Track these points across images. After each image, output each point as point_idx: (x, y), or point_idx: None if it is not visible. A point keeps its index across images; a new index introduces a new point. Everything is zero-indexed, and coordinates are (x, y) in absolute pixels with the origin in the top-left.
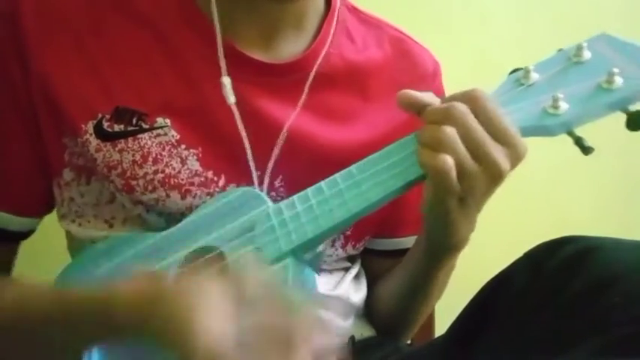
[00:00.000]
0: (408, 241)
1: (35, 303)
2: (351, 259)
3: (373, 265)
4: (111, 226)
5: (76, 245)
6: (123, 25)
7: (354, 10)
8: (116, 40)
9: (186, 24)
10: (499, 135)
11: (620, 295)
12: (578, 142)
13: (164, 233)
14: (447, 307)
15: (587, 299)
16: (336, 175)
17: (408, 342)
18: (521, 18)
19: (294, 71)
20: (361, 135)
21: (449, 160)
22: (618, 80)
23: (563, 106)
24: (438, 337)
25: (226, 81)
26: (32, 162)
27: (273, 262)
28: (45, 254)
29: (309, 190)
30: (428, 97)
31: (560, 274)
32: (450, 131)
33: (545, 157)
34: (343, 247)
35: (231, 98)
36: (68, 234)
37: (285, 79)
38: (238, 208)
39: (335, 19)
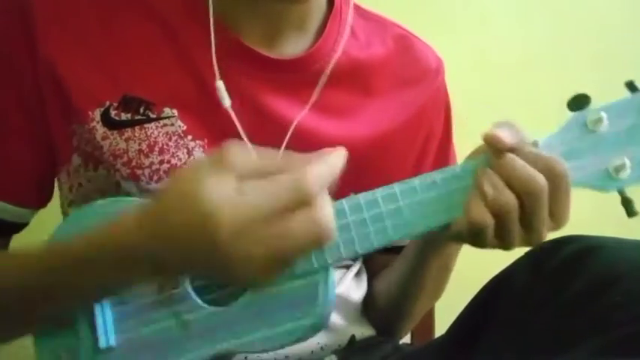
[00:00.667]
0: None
1: (36, 265)
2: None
3: (373, 261)
4: None
5: None
6: (133, 18)
7: (356, 8)
8: (125, 32)
9: (191, 18)
10: (558, 218)
11: (621, 294)
12: (626, 203)
13: None
14: (447, 307)
15: (588, 299)
16: (378, 194)
17: (408, 342)
18: (521, 18)
19: (300, 69)
20: (365, 132)
21: (491, 225)
22: None
23: (628, 170)
24: (438, 337)
25: (220, 85)
26: (37, 151)
27: (301, 276)
28: None
29: (346, 205)
30: (512, 138)
31: (561, 274)
32: (514, 204)
33: None
34: None
35: (227, 101)
36: None
37: (291, 75)
38: None
39: (339, 18)
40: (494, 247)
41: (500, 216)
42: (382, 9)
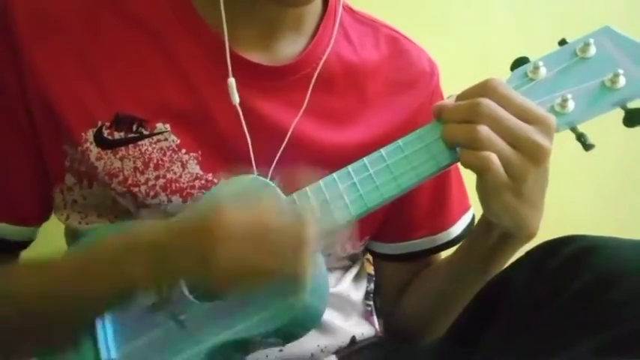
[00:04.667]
0: (423, 243)
1: (54, 275)
2: (352, 259)
3: (393, 272)
4: None
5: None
6: (117, 27)
7: (350, 11)
8: (111, 43)
9: (183, 26)
10: (528, 116)
11: (620, 293)
12: (581, 138)
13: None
14: None
15: (587, 298)
16: (365, 160)
17: None
18: (521, 17)
19: (293, 73)
20: (359, 135)
21: (493, 159)
22: (622, 80)
23: (571, 105)
24: (439, 337)
25: (232, 82)
26: (32, 170)
27: None
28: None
29: (326, 178)
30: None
31: (561, 273)
32: (485, 129)
33: None
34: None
35: (236, 98)
36: (69, 231)
37: (284, 81)
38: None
39: (333, 20)
40: (517, 184)
41: (487, 148)
42: (382, 9)
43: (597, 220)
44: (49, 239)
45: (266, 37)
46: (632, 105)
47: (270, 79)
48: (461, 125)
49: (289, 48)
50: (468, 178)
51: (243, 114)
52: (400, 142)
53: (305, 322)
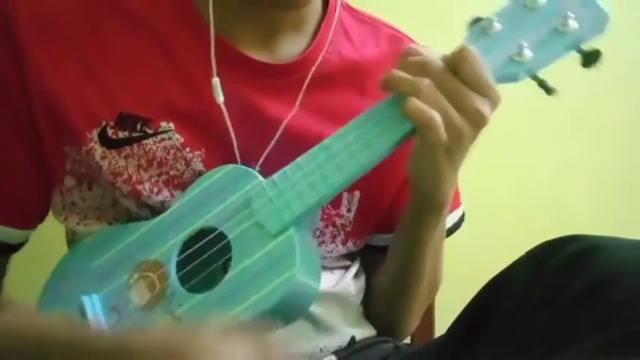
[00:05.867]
0: None
1: None
2: (351, 258)
3: (373, 259)
4: None
5: (77, 239)
6: (118, 28)
7: (349, 9)
8: (113, 43)
9: (182, 24)
10: (482, 89)
11: (621, 293)
12: (542, 84)
13: (156, 220)
14: (447, 307)
15: (588, 298)
16: (325, 141)
17: (408, 342)
18: None
19: (295, 72)
20: None
21: (437, 117)
22: (572, 23)
23: (527, 53)
24: (438, 337)
25: (215, 81)
26: (32, 172)
27: (277, 235)
28: (45, 253)
29: (300, 160)
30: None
31: (561, 273)
32: (430, 83)
33: (545, 157)
34: (344, 243)
35: (220, 97)
36: (68, 232)
37: (286, 79)
38: (229, 185)
39: (333, 19)
40: (452, 143)
41: (430, 100)
42: (383, 9)
43: (597, 220)
44: (50, 239)
45: (268, 36)
46: (586, 47)
47: (272, 77)
48: (408, 75)
49: (291, 47)
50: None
51: (238, 111)
52: (353, 120)
53: (299, 299)
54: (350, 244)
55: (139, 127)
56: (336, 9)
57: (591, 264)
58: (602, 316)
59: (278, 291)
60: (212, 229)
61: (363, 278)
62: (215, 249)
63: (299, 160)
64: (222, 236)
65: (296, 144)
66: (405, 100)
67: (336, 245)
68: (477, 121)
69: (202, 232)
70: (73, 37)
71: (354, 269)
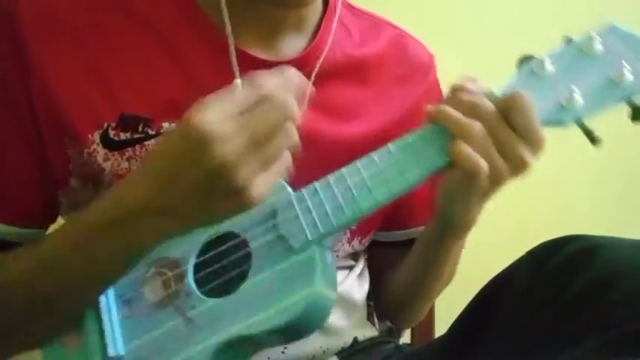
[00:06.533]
0: (417, 231)
1: (50, 251)
2: (355, 257)
3: (382, 256)
4: None
5: None
6: (123, 27)
7: (349, 7)
8: (116, 42)
9: (188, 24)
10: (531, 139)
11: (621, 293)
12: (589, 134)
13: None
14: (448, 307)
15: (589, 297)
16: (358, 163)
17: (409, 342)
18: (521, 18)
19: (298, 69)
20: (362, 128)
21: (483, 164)
22: (628, 75)
23: (578, 99)
24: (438, 337)
25: (239, 83)
26: (36, 172)
27: (300, 251)
28: None
29: (331, 178)
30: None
31: (562, 273)
32: (479, 126)
33: (545, 157)
34: (349, 242)
35: None
36: None
37: None
38: None
39: (334, 16)
40: (491, 188)
41: (478, 145)
42: (383, 9)
43: (597, 220)
44: None
45: (269, 35)
46: (637, 100)
47: None
48: (459, 114)
49: (292, 46)
50: None
51: None
52: (388, 145)
53: (313, 316)
54: (356, 242)
55: (140, 128)
56: (336, 7)
57: (591, 264)
58: (602, 316)
59: (292, 308)
60: (234, 235)
61: (367, 279)
62: (236, 256)
63: (330, 178)
64: (244, 243)
65: (305, 143)
66: (454, 142)
67: (342, 244)
68: (519, 169)
69: (224, 237)
70: (76, 36)
71: (358, 269)
